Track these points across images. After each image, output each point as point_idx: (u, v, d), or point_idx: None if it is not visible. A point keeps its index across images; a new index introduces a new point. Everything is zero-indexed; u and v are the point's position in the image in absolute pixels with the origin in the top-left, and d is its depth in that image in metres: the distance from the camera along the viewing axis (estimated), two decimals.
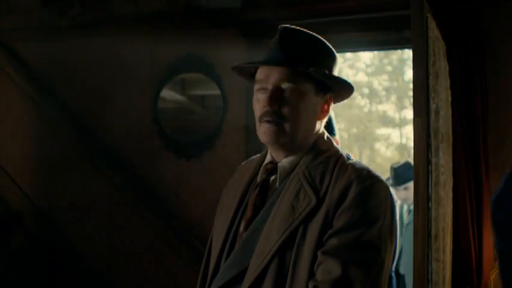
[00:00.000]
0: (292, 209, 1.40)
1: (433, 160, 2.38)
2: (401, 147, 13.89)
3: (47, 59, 4.26)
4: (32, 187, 4.24)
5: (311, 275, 1.35)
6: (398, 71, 14.06)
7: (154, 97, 4.01)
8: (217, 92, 3.85)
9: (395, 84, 14.20)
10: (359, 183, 1.38)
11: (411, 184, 4.05)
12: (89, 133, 4.16)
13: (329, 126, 2.79)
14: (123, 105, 4.08)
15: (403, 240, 4.13)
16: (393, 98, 14.27)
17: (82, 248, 4.09)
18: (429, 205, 2.33)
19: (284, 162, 1.51)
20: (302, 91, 1.45)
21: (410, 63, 2.64)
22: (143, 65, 4.05)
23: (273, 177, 1.52)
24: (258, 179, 1.56)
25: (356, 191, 1.37)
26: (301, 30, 1.51)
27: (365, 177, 1.40)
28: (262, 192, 1.51)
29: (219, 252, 1.55)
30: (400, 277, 4.12)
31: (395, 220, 1.42)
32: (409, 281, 3.80)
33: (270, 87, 1.46)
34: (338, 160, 1.47)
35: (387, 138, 14.35)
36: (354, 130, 14.31)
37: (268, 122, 1.45)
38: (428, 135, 2.32)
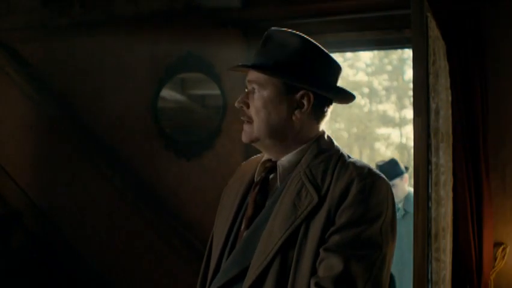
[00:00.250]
0: (294, 208, 1.41)
1: (433, 160, 2.38)
2: (401, 147, 13.86)
3: (47, 59, 4.26)
4: (32, 187, 4.24)
5: (313, 272, 1.36)
6: (398, 71, 14.04)
7: (154, 97, 4.00)
8: (217, 91, 3.85)
9: (395, 83, 14.18)
10: (360, 181, 1.39)
11: (397, 181, 4.06)
12: (89, 133, 4.15)
13: None
14: (123, 105, 4.08)
15: None
16: (393, 97, 14.25)
17: (82, 247, 4.08)
18: (429, 205, 2.33)
19: (283, 161, 1.52)
20: (265, 91, 1.50)
21: (410, 62, 2.64)
22: (143, 65, 4.05)
23: (272, 176, 1.54)
24: (257, 177, 1.57)
25: (358, 188, 1.38)
26: (286, 33, 1.53)
27: (366, 175, 1.41)
28: (262, 190, 1.53)
29: (220, 252, 1.55)
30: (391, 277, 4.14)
31: (396, 216, 1.44)
32: (402, 279, 3.79)
33: (248, 88, 1.55)
34: (339, 159, 1.48)
35: (387, 137, 14.33)
36: (354, 130, 14.29)
37: (244, 122, 1.54)
38: (428, 135, 2.32)
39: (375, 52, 13.37)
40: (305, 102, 1.50)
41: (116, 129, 4.11)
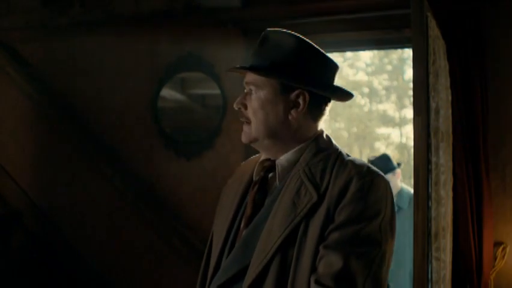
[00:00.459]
0: (294, 206, 1.42)
1: (433, 159, 2.38)
2: (401, 147, 13.87)
3: (47, 59, 4.26)
4: (32, 187, 4.24)
5: (313, 269, 1.36)
6: (398, 70, 14.04)
7: (154, 96, 4.01)
8: (217, 91, 3.85)
9: (395, 83, 14.18)
10: (359, 179, 1.40)
11: (389, 176, 4.03)
12: (89, 132, 4.16)
13: None
14: (123, 104, 4.08)
15: None
16: (393, 97, 14.25)
17: (82, 247, 4.08)
18: (429, 204, 2.33)
19: (282, 160, 1.53)
20: (262, 92, 1.51)
21: (410, 62, 2.64)
22: (143, 64, 4.05)
23: (271, 175, 1.54)
24: (255, 176, 1.58)
25: (357, 186, 1.39)
26: (282, 34, 1.54)
27: (365, 173, 1.42)
28: (261, 189, 1.54)
29: (220, 250, 1.56)
30: None
31: (395, 214, 1.45)
32: (398, 275, 3.79)
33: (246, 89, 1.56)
34: (337, 157, 1.49)
35: (387, 137, 14.33)
36: (354, 129, 14.29)
37: (244, 123, 1.55)
38: (428, 134, 2.32)
39: (375, 52, 13.37)
40: (301, 101, 1.51)
41: (116, 129, 4.11)
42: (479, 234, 3.04)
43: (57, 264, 4.10)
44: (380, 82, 14.42)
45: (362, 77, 14.50)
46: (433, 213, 2.36)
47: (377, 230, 1.37)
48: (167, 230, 3.89)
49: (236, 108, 1.56)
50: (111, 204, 4.06)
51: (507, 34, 3.18)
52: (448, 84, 2.86)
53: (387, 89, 14.38)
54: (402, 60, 13.82)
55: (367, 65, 14.56)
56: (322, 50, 1.54)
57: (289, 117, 1.51)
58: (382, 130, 14.41)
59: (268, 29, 1.56)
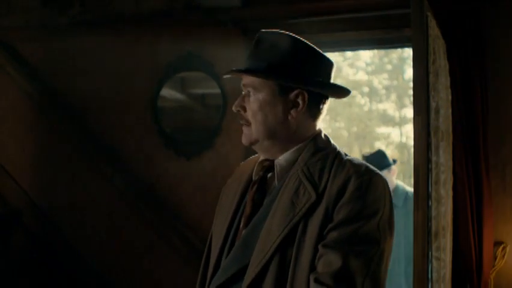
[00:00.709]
0: (292, 205, 1.42)
1: (433, 158, 2.38)
2: (401, 146, 13.86)
3: (47, 58, 4.26)
4: (32, 186, 4.24)
5: (312, 268, 1.37)
6: (398, 70, 14.03)
7: (154, 96, 4.00)
8: (217, 90, 3.85)
9: (395, 83, 14.17)
10: (358, 178, 1.41)
11: (384, 173, 3.95)
12: (89, 132, 4.15)
13: None
14: (123, 104, 4.08)
15: None
16: (393, 96, 14.24)
17: (82, 247, 4.08)
18: (430, 203, 2.33)
19: (281, 160, 1.54)
20: (260, 94, 1.52)
21: (410, 61, 2.64)
22: (143, 64, 4.05)
23: (270, 174, 1.55)
24: (254, 176, 1.59)
25: (355, 185, 1.40)
26: (277, 35, 1.54)
27: (363, 172, 1.43)
28: (260, 189, 1.54)
29: (219, 250, 1.57)
30: None
31: (394, 213, 1.45)
32: (392, 274, 3.79)
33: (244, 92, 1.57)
34: (336, 156, 1.50)
35: (387, 136, 14.31)
36: (354, 129, 14.28)
37: (243, 125, 1.56)
38: (428, 134, 2.33)
39: (375, 51, 13.36)
40: (300, 101, 1.51)
41: (116, 128, 4.10)
42: (479, 234, 3.04)
43: (57, 264, 4.10)
44: (380, 81, 14.41)
45: (362, 76, 14.49)
46: (433, 213, 2.36)
47: (376, 229, 1.38)
48: (167, 229, 3.89)
49: (235, 111, 1.57)
50: (111, 204, 4.06)
51: (507, 34, 3.18)
52: (448, 83, 2.86)
53: (387, 88, 14.37)
54: (402, 60, 13.82)
55: (367, 65, 14.56)
56: (317, 48, 1.55)
57: (289, 118, 1.52)
58: (382, 129, 14.41)
59: (263, 30, 1.57)
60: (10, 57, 4.26)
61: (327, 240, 1.37)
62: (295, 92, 1.51)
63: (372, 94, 14.36)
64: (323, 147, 1.53)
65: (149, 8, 3.97)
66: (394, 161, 4.26)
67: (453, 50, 3.04)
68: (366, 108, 14.51)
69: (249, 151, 3.18)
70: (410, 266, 3.82)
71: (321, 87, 1.54)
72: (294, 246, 1.40)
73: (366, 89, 14.35)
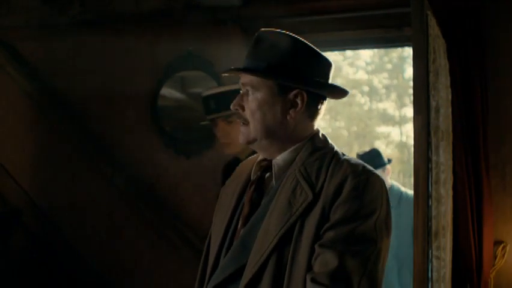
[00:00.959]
0: (289, 205, 1.43)
1: (433, 158, 2.38)
2: (401, 145, 13.86)
3: (47, 58, 4.26)
4: (32, 186, 4.24)
5: (309, 268, 1.37)
6: (398, 69, 14.04)
7: (153, 95, 4.00)
8: None
9: (395, 82, 14.17)
10: (355, 178, 1.41)
11: (378, 172, 3.96)
12: (89, 132, 4.15)
13: None
14: (123, 103, 4.08)
15: None
16: (393, 96, 14.25)
17: (82, 247, 4.08)
18: (430, 203, 2.33)
19: (278, 160, 1.55)
20: (259, 93, 1.52)
21: (410, 61, 2.64)
22: (143, 63, 4.05)
23: (267, 174, 1.55)
24: (253, 176, 1.59)
25: (352, 185, 1.40)
26: (276, 34, 1.55)
27: (361, 172, 1.43)
28: (258, 189, 1.55)
29: (218, 250, 1.57)
30: None
31: (391, 213, 1.45)
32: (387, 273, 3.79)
33: (242, 91, 1.57)
34: (333, 156, 1.50)
35: (387, 136, 14.32)
36: (354, 128, 14.28)
37: (241, 124, 1.56)
38: (428, 133, 2.32)
39: (375, 50, 13.35)
40: (299, 101, 1.51)
41: (116, 128, 4.10)
42: (479, 233, 3.04)
43: (57, 263, 4.10)
44: (380, 81, 14.41)
45: (362, 75, 14.49)
46: (433, 212, 2.36)
47: (372, 229, 1.38)
48: (167, 228, 3.89)
49: (233, 110, 1.57)
50: (111, 204, 4.06)
51: (507, 33, 3.18)
52: (448, 83, 2.86)
53: (387, 87, 14.37)
54: (402, 59, 13.82)
55: (367, 64, 14.56)
56: (316, 48, 1.55)
57: (287, 117, 1.52)
58: (382, 129, 14.41)
59: (262, 29, 1.57)
60: (10, 56, 4.26)
61: (323, 240, 1.37)
62: (294, 92, 1.51)
63: (372, 93, 14.36)
64: (320, 147, 1.54)
65: (149, 8, 3.97)
66: (389, 161, 4.22)
67: (453, 49, 3.04)
68: (366, 108, 14.52)
69: (249, 150, 3.17)
70: (403, 267, 3.81)
71: (320, 87, 1.54)
72: (291, 246, 1.40)
73: (366, 88, 14.35)
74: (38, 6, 4.18)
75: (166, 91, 4.00)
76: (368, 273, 1.35)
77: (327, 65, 1.57)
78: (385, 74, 14.35)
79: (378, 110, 14.45)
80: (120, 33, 4.07)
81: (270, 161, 1.57)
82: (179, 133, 3.99)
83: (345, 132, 14.20)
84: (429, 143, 2.33)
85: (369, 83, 14.36)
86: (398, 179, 12.35)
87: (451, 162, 2.86)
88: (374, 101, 14.53)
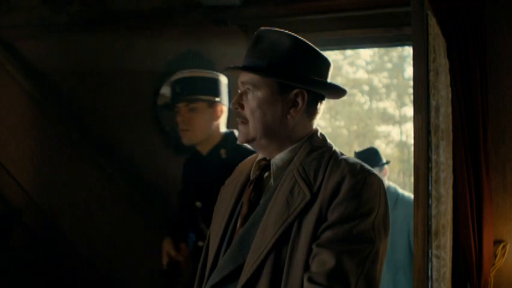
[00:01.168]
0: (287, 205, 1.43)
1: (433, 157, 2.38)
2: (401, 145, 13.87)
3: (47, 57, 4.26)
4: (32, 185, 4.24)
5: (307, 268, 1.37)
6: (398, 68, 14.05)
7: (153, 94, 4.00)
8: None
9: (395, 81, 14.18)
10: (352, 177, 1.41)
11: (375, 171, 3.88)
12: (89, 131, 4.15)
13: None
14: (123, 102, 4.08)
15: None
16: (393, 95, 14.26)
17: (82, 246, 4.08)
18: (430, 202, 2.33)
19: (277, 159, 1.54)
20: (260, 92, 1.51)
21: (410, 60, 2.64)
22: (143, 62, 4.05)
23: (266, 174, 1.56)
24: (252, 175, 1.59)
25: (349, 184, 1.40)
26: (276, 33, 1.54)
27: (358, 171, 1.43)
28: (256, 188, 1.55)
29: (217, 250, 1.57)
30: None
31: (389, 212, 1.45)
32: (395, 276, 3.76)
33: (240, 89, 1.56)
34: (331, 156, 1.50)
35: (387, 135, 14.33)
36: (354, 127, 14.29)
37: (239, 122, 1.56)
38: (428, 132, 2.32)
39: (375, 50, 13.36)
40: (299, 100, 1.51)
41: (116, 127, 4.10)
42: (479, 232, 3.04)
43: (57, 262, 4.10)
44: (380, 80, 14.42)
45: (362, 75, 14.50)
46: (433, 211, 2.36)
47: (370, 228, 1.38)
48: (168, 228, 3.88)
49: (232, 109, 1.57)
50: (111, 203, 4.06)
51: (507, 32, 3.18)
52: (448, 82, 2.86)
53: (387, 87, 14.38)
54: (402, 58, 13.82)
55: (367, 63, 14.56)
56: (316, 47, 1.55)
57: (288, 117, 1.52)
58: (382, 128, 14.42)
59: (262, 28, 1.56)
60: (10, 55, 4.26)
61: (321, 240, 1.37)
62: (295, 91, 1.51)
63: (372, 93, 14.36)
64: (318, 146, 1.53)
65: (149, 7, 3.97)
66: (387, 162, 4.16)
67: (453, 49, 3.04)
68: (366, 107, 14.52)
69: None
70: (398, 273, 3.76)
71: (320, 87, 1.54)
72: (288, 245, 1.40)
73: (366, 88, 14.36)
74: (38, 5, 4.18)
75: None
76: (366, 273, 1.35)
77: (327, 64, 1.57)
78: (385, 73, 14.35)
79: (378, 109, 14.46)
80: (120, 32, 4.07)
81: (269, 161, 1.57)
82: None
83: (345, 132, 14.21)
84: (429, 142, 2.33)
85: (369, 82, 14.36)
86: (398, 178, 12.36)
87: (451, 162, 2.86)
88: (374, 100, 14.53)
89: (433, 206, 2.37)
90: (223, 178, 2.57)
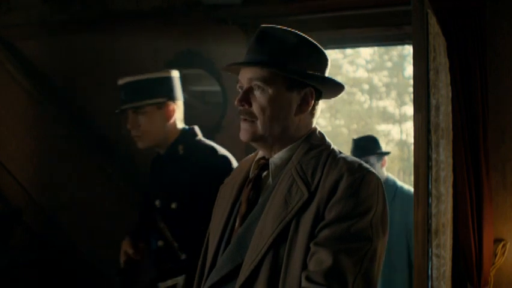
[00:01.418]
0: (285, 204, 1.42)
1: (433, 156, 2.38)
2: (401, 143, 13.89)
3: (47, 56, 4.26)
4: (32, 184, 4.24)
5: (304, 267, 1.37)
6: (398, 67, 14.06)
7: None
8: (217, 88, 3.85)
9: (395, 80, 14.20)
10: (350, 175, 1.40)
11: (372, 159, 3.74)
12: (90, 130, 4.15)
13: None
14: None
15: None
16: (393, 94, 14.27)
17: (82, 246, 4.08)
18: (430, 201, 2.34)
19: (275, 158, 1.54)
20: (270, 88, 1.48)
21: (410, 59, 2.64)
22: (143, 61, 4.04)
23: (265, 173, 1.55)
24: (251, 174, 1.58)
25: (347, 182, 1.39)
26: (280, 30, 1.53)
27: (356, 170, 1.42)
28: (255, 187, 1.54)
29: (215, 249, 1.57)
30: None
31: (387, 211, 1.44)
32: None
33: (244, 86, 1.51)
34: (329, 154, 1.49)
35: (387, 134, 14.35)
36: (354, 126, 14.30)
37: (243, 120, 1.52)
38: (429, 131, 2.32)
39: (375, 48, 13.37)
40: (309, 98, 1.50)
41: (116, 126, 4.10)
42: (479, 231, 3.04)
43: (57, 261, 4.10)
44: (380, 79, 14.43)
45: (362, 73, 14.51)
46: (433, 210, 2.36)
47: (368, 226, 1.37)
48: None
49: (239, 106, 1.52)
50: (111, 202, 4.06)
51: (507, 32, 3.18)
52: (448, 81, 2.86)
53: (387, 85, 14.39)
54: (402, 57, 13.83)
55: (367, 62, 14.57)
56: (318, 44, 1.55)
57: (298, 114, 1.51)
58: (382, 127, 14.43)
59: (264, 25, 1.55)
60: (10, 54, 4.26)
61: (318, 238, 1.37)
62: (306, 89, 1.50)
63: (372, 91, 14.37)
64: (317, 145, 1.53)
65: (149, 5, 3.96)
66: (387, 153, 3.98)
67: (453, 47, 3.04)
68: (366, 106, 14.53)
69: (249, 148, 3.18)
70: (395, 274, 3.67)
71: (327, 84, 1.54)
72: (286, 244, 1.40)
73: (366, 87, 14.36)
74: (38, 4, 4.18)
75: None
76: (363, 272, 1.34)
77: (327, 61, 1.57)
78: (385, 72, 14.36)
79: (378, 108, 14.46)
80: (120, 31, 4.07)
81: (268, 159, 1.56)
82: None
83: (345, 131, 14.21)
84: (429, 141, 2.33)
85: (369, 81, 14.37)
86: (398, 177, 12.35)
87: (451, 160, 2.86)
88: (374, 99, 14.54)
89: (433, 204, 2.37)
90: (183, 175, 2.53)
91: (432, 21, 2.43)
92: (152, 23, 3.99)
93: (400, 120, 14.10)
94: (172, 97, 2.66)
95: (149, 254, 2.73)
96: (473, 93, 3.08)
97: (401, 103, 14.10)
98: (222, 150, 2.69)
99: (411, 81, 2.35)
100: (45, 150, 4.24)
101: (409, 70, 13.56)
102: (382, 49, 13.46)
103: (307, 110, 1.51)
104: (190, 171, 2.53)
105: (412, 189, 2.53)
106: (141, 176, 4.04)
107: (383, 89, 14.39)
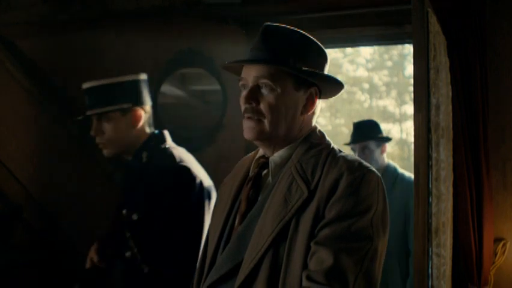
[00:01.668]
0: (285, 202, 1.42)
1: (433, 155, 2.38)
2: (401, 143, 13.88)
3: (47, 55, 4.25)
4: (32, 183, 4.24)
5: (305, 266, 1.37)
6: (398, 66, 14.06)
7: (154, 92, 4.00)
8: (217, 87, 3.84)
9: (395, 79, 14.19)
10: (350, 174, 1.40)
11: (371, 144, 3.65)
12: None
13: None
14: None
15: None
16: (393, 93, 14.27)
17: (82, 245, 4.08)
18: (430, 200, 2.33)
19: (275, 157, 1.53)
20: (279, 87, 1.47)
21: (410, 58, 2.64)
22: (143, 61, 4.05)
23: (265, 172, 1.55)
24: (251, 173, 1.58)
25: (347, 181, 1.39)
26: (285, 28, 1.53)
27: (356, 168, 1.42)
28: (255, 186, 1.54)
29: (215, 247, 1.57)
30: None
31: (388, 210, 1.43)
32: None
33: (249, 84, 1.50)
34: (329, 153, 1.49)
35: (387, 133, 14.34)
36: None
37: (248, 118, 1.50)
38: (429, 130, 2.32)
39: (376, 48, 13.37)
40: (315, 98, 1.50)
41: None
42: (479, 230, 3.04)
43: (57, 261, 4.10)
44: (380, 78, 14.42)
45: (362, 73, 14.50)
46: (433, 209, 2.36)
47: (368, 225, 1.37)
48: None
49: (247, 104, 1.50)
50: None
51: (507, 32, 3.17)
52: (449, 80, 2.85)
53: (387, 85, 14.38)
54: (402, 56, 13.82)
55: (367, 61, 14.56)
56: (319, 43, 1.55)
57: (303, 114, 1.51)
58: (382, 126, 14.41)
59: (267, 23, 1.54)
60: (10, 53, 4.25)
61: (319, 237, 1.36)
62: (311, 88, 1.50)
63: (373, 91, 14.36)
64: (317, 144, 1.52)
65: (149, 5, 3.96)
66: (387, 138, 3.83)
67: (453, 47, 3.03)
68: (366, 105, 14.52)
69: (249, 147, 3.17)
70: (393, 276, 3.62)
71: (330, 83, 1.54)
72: (286, 243, 1.40)
73: (366, 86, 14.35)
74: (38, 3, 4.17)
75: (167, 88, 4.00)
76: (364, 271, 1.34)
77: (327, 59, 1.57)
78: (385, 72, 14.35)
79: (379, 108, 14.45)
80: (120, 31, 4.07)
81: (268, 158, 1.56)
82: (180, 131, 3.98)
83: (345, 130, 14.19)
84: (429, 140, 2.33)
85: (370, 81, 14.36)
86: None
87: (451, 160, 2.86)
88: (374, 99, 14.53)
89: (433, 204, 2.37)
90: (142, 185, 2.44)
91: (433, 20, 2.43)
92: (152, 21, 3.98)
93: (400, 119, 14.09)
94: (138, 102, 2.53)
95: (120, 265, 2.63)
96: (473, 93, 3.08)
97: (401, 102, 14.09)
98: (184, 160, 2.50)
99: (412, 81, 2.35)
100: (45, 150, 4.24)
101: (409, 69, 13.57)
102: (382, 48, 13.46)
103: (312, 109, 1.52)
104: (148, 181, 2.42)
105: (413, 176, 2.50)
106: None
107: (383, 88, 14.38)
